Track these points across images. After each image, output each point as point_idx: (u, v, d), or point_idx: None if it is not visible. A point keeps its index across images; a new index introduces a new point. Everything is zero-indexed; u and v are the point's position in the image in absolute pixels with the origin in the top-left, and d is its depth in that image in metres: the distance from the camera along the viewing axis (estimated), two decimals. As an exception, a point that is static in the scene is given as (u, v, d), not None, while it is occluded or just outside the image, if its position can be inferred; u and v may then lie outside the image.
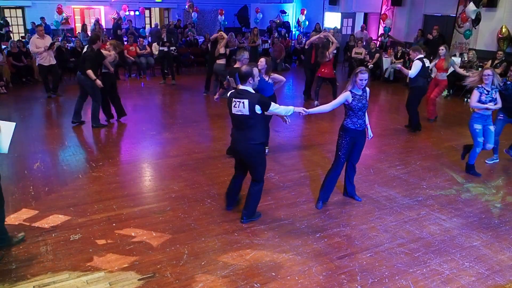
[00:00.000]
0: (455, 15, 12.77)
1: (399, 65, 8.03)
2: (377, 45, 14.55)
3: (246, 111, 4.14)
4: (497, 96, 5.74)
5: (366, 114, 4.86)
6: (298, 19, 18.44)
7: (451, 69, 8.81)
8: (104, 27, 16.96)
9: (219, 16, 17.93)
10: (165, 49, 12.24)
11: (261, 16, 18.34)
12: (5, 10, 17.23)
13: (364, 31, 15.58)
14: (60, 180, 5.67)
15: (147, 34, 17.06)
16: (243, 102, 4.13)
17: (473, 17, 11.71)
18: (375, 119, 9.16)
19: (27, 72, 12.22)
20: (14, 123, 4.11)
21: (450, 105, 10.57)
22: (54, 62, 10.47)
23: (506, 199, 5.34)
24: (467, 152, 6.15)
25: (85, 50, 7.89)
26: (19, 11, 17.68)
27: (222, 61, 10.02)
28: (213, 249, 4.10)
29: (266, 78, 6.07)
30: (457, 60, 11.01)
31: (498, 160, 6.50)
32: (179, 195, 5.25)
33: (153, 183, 5.72)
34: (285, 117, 4.63)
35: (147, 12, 19.92)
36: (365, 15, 16.66)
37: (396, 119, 8.94)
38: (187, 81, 13.00)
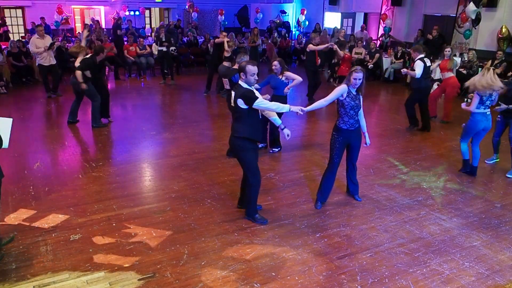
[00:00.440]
0: (455, 15, 12.77)
1: (405, 70, 8.01)
2: (377, 45, 14.55)
3: (233, 103, 4.31)
4: (496, 96, 5.72)
5: (363, 119, 4.85)
6: (298, 19, 18.45)
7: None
8: (104, 27, 16.97)
9: (219, 16, 17.93)
10: (164, 49, 12.24)
11: (261, 16, 18.35)
12: (5, 10, 17.23)
13: (364, 31, 15.58)
14: (60, 180, 5.67)
15: (147, 34, 17.07)
16: (233, 95, 4.31)
17: (473, 17, 11.71)
18: (375, 119, 9.16)
19: (27, 72, 12.23)
20: (11, 119, 4.16)
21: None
22: (54, 62, 10.47)
23: (506, 199, 5.33)
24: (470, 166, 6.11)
25: (87, 57, 7.88)
26: (19, 11, 17.68)
27: (227, 63, 10.05)
28: (213, 249, 4.10)
29: (281, 77, 6.55)
30: (457, 60, 11.01)
31: (497, 160, 6.50)
32: (179, 195, 5.25)
33: (153, 183, 5.72)
34: (281, 130, 4.54)
35: (147, 12, 19.92)
36: (365, 15, 16.65)
37: (396, 119, 8.94)
38: (187, 81, 13.00)
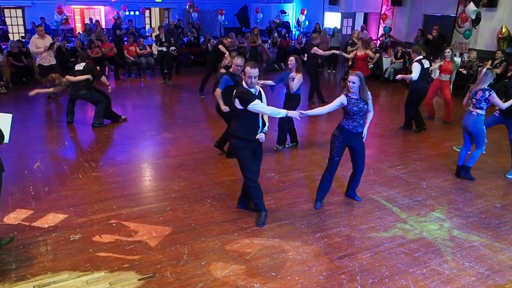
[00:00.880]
0: (455, 15, 12.77)
1: (400, 76, 7.99)
2: (377, 45, 14.55)
3: (232, 101, 4.38)
4: (482, 97, 5.69)
5: (369, 117, 4.85)
6: (298, 19, 18.44)
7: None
8: (104, 27, 16.97)
9: (219, 16, 17.93)
10: (164, 49, 12.24)
11: (261, 16, 18.35)
12: (5, 10, 17.23)
13: (364, 31, 15.57)
14: (60, 180, 5.68)
15: (147, 34, 17.08)
16: (234, 93, 4.41)
17: (473, 17, 11.71)
18: (375, 119, 9.13)
19: (27, 72, 12.22)
20: (11, 114, 4.18)
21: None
22: (54, 62, 10.46)
23: (506, 199, 5.33)
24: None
25: (81, 68, 7.93)
26: (19, 11, 17.68)
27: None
28: (213, 249, 4.10)
29: (294, 76, 6.47)
30: (457, 60, 11.01)
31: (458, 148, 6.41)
32: (179, 195, 5.25)
33: (153, 183, 5.72)
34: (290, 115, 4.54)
35: (147, 12, 19.92)
36: (365, 15, 16.66)
37: (396, 119, 8.94)
38: (187, 81, 13.00)
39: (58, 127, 8.19)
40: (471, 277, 3.77)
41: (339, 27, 16.19)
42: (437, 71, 8.78)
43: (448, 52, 8.42)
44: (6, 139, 4.09)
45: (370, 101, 4.71)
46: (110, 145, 7.26)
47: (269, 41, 16.69)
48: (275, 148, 6.86)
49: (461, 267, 3.91)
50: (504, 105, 5.63)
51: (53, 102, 10.24)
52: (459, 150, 6.31)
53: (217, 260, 3.93)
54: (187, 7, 17.98)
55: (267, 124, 4.54)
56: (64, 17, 16.26)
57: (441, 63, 8.53)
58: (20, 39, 14.80)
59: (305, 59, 9.92)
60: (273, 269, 3.81)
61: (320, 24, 17.07)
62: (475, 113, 5.59)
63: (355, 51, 10.53)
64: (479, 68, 6.95)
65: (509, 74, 10.06)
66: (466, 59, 11.54)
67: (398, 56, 13.01)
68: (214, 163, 6.32)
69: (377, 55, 12.99)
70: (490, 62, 10.65)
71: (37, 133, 7.77)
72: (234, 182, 5.58)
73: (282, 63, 15.46)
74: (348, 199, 5.21)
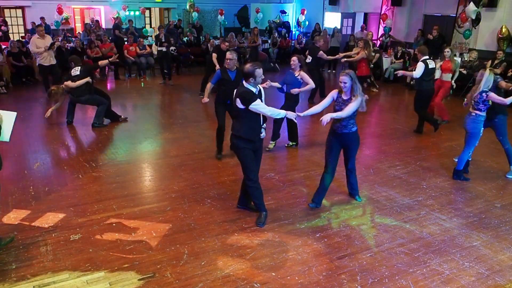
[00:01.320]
0: (455, 15, 12.77)
1: (400, 72, 7.97)
2: (377, 45, 14.54)
3: (234, 101, 4.37)
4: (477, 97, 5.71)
5: (345, 109, 4.58)
6: (298, 19, 18.44)
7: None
8: (104, 27, 16.97)
9: (219, 16, 17.93)
10: (164, 49, 12.24)
11: (261, 16, 18.35)
12: (5, 10, 17.23)
13: (364, 31, 15.57)
14: (60, 180, 5.68)
15: (149, 34, 17.07)
16: (234, 93, 4.39)
17: (473, 17, 11.70)
18: (375, 119, 9.17)
19: (27, 72, 12.23)
20: (15, 113, 4.21)
21: (450, 105, 10.55)
22: (54, 62, 10.47)
23: (506, 199, 5.33)
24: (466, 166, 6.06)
25: (78, 72, 7.92)
26: (19, 11, 17.68)
27: None
28: (213, 249, 4.10)
29: (296, 74, 6.50)
30: (457, 60, 11.00)
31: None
32: (179, 195, 5.25)
33: (153, 183, 5.72)
34: (289, 117, 4.54)
35: (147, 12, 19.91)
36: (365, 15, 16.65)
37: (396, 119, 8.94)
38: (187, 81, 13.00)
39: (58, 127, 8.19)
40: (471, 277, 3.77)
41: (339, 27, 16.19)
42: (438, 72, 8.77)
43: (448, 52, 8.41)
44: (7, 138, 4.10)
45: (359, 100, 4.50)
46: (110, 145, 7.26)
47: (269, 41, 16.69)
48: (266, 149, 6.76)
49: (461, 267, 3.91)
50: (508, 100, 5.47)
51: (53, 102, 10.22)
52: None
53: (217, 260, 3.93)
54: (188, 7, 17.94)
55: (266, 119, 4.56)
56: (64, 17, 16.26)
57: (441, 63, 8.52)
58: (20, 39, 14.80)
59: (308, 60, 9.90)
60: (273, 269, 3.81)
61: (320, 24, 17.08)
62: (474, 114, 5.61)
63: (363, 53, 10.40)
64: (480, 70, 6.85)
65: (509, 74, 10.06)
66: (466, 59, 11.53)
67: (398, 56, 13.01)
68: (214, 163, 6.32)
69: (377, 55, 13.00)
70: (490, 62, 10.64)
71: (37, 133, 7.77)
72: (234, 182, 5.58)
73: (276, 64, 15.46)
74: (348, 199, 5.21)
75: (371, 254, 4.08)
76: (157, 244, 4.17)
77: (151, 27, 19.37)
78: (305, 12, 17.98)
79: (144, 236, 4.30)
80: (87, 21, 17.54)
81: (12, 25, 17.17)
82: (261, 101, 4.38)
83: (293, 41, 17.36)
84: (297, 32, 18.31)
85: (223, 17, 17.91)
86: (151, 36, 16.32)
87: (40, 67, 10.51)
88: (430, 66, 7.58)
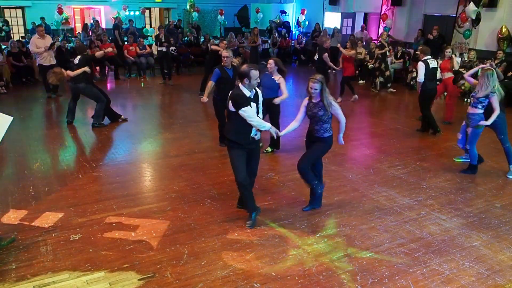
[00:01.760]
0: (455, 15, 12.76)
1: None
2: (377, 45, 14.53)
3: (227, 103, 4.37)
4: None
5: (341, 124, 4.68)
6: (298, 19, 18.45)
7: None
8: (104, 27, 16.96)
9: (219, 16, 17.93)
10: (164, 49, 12.24)
11: (261, 16, 18.36)
12: (5, 10, 17.23)
13: (364, 31, 15.58)
14: (60, 180, 5.68)
15: (150, 34, 17.08)
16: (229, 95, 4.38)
17: (473, 17, 11.70)
18: (375, 119, 9.17)
19: (27, 72, 12.23)
20: (11, 117, 4.17)
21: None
22: (54, 62, 10.46)
23: (506, 199, 5.33)
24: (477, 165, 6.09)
25: (77, 62, 7.92)
26: (19, 11, 17.69)
27: None
28: (213, 249, 4.10)
29: (276, 79, 6.27)
30: (457, 60, 11.00)
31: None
32: (179, 195, 5.25)
33: (153, 183, 5.72)
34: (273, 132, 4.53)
35: (147, 12, 19.92)
36: (365, 15, 16.65)
37: (396, 119, 8.94)
38: (187, 81, 13.00)
39: (58, 127, 8.19)
40: (471, 277, 3.77)
41: (339, 27, 16.19)
42: (438, 71, 8.78)
43: (449, 51, 8.43)
44: None
45: (334, 108, 4.51)
46: (110, 145, 7.26)
47: (269, 41, 16.68)
48: (264, 151, 6.73)
49: (461, 267, 3.91)
50: (497, 111, 5.60)
51: (53, 102, 10.23)
52: (459, 161, 6.45)
53: (217, 260, 3.93)
54: (188, 6, 17.93)
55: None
56: (64, 17, 16.27)
57: (441, 62, 8.53)
58: (20, 39, 14.80)
59: (316, 58, 10.11)
60: (273, 269, 3.81)
61: (320, 24, 17.08)
62: (472, 112, 5.70)
63: (353, 51, 10.52)
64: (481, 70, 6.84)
65: (509, 74, 10.05)
66: (466, 59, 11.52)
67: (398, 56, 13.01)
68: (214, 163, 6.32)
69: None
70: (491, 61, 10.63)
71: (37, 133, 7.77)
72: (234, 182, 5.52)
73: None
74: (348, 199, 5.21)
75: (371, 254, 4.07)
76: (157, 244, 4.17)
77: (151, 27, 19.38)
78: (305, 12, 17.99)
79: (144, 236, 4.30)
80: (87, 21, 17.54)
81: (12, 25, 17.18)
82: (258, 105, 4.37)
83: (293, 41, 17.36)
84: (297, 32, 18.32)
85: (223, 17, 17.92)
86: (151, 36, 16.33)
87: (40, 67, 10.51)
88: (431, 66, 7.57)
